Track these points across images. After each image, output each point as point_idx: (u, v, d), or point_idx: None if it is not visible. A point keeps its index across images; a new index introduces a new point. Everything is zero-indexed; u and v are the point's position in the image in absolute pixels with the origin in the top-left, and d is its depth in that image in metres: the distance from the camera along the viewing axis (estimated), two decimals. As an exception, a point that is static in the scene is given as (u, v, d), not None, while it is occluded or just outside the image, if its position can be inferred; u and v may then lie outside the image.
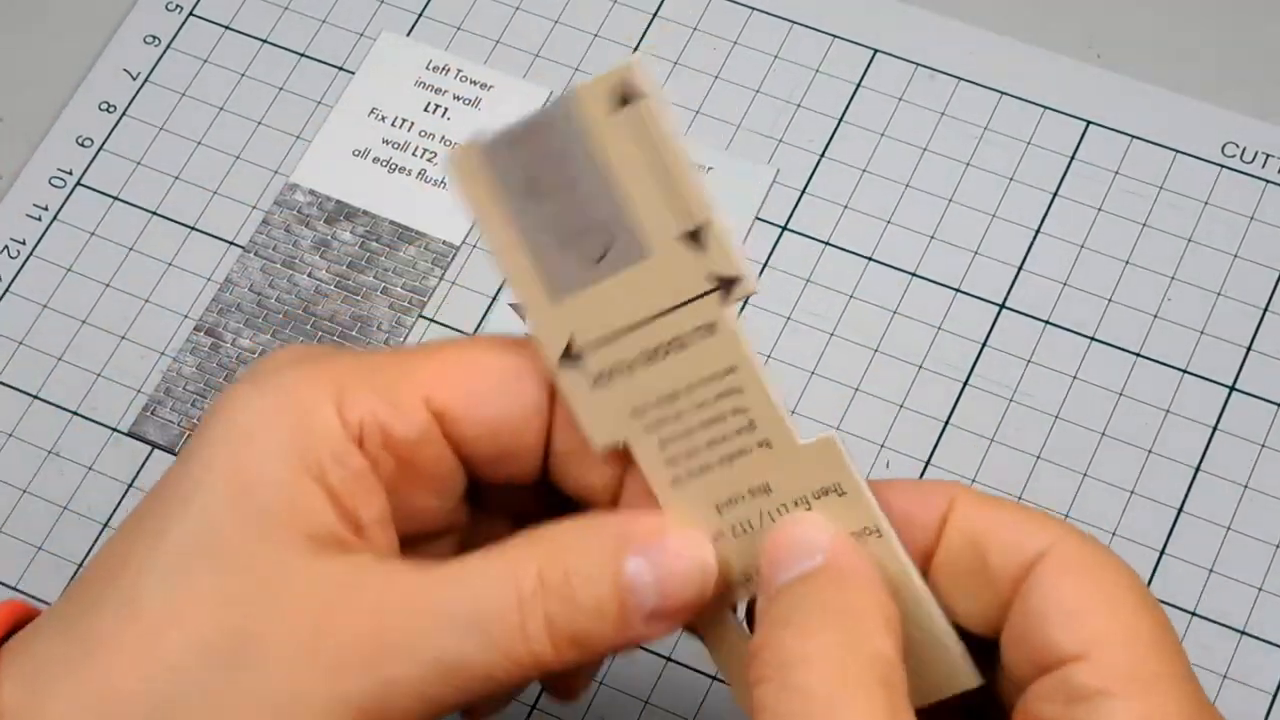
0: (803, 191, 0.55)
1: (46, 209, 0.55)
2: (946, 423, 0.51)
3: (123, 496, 0.52)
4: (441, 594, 0.37)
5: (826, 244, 0.54)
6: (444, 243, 0.54)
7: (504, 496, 0.41)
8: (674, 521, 0.38)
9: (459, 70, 0.56)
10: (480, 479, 0.40)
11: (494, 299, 0.54)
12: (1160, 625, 0.36)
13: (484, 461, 0.39)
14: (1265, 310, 0.53)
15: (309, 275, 0.53)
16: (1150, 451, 0.51)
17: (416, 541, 0.40)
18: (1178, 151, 0.55)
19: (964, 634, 0.37)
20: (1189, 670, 0.36)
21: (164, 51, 0.58)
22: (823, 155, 0.56)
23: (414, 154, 0.55)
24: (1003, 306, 0.53)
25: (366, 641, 0.36)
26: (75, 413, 0.53)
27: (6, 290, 0.54)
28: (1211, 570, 0.49)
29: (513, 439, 0.39)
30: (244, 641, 0.36)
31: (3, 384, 0.53)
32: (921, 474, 0.51)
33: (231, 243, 0.54)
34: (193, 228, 0.55)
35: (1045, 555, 0.36)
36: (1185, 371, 0.52)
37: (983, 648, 0.37)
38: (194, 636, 0.36)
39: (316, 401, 0.38)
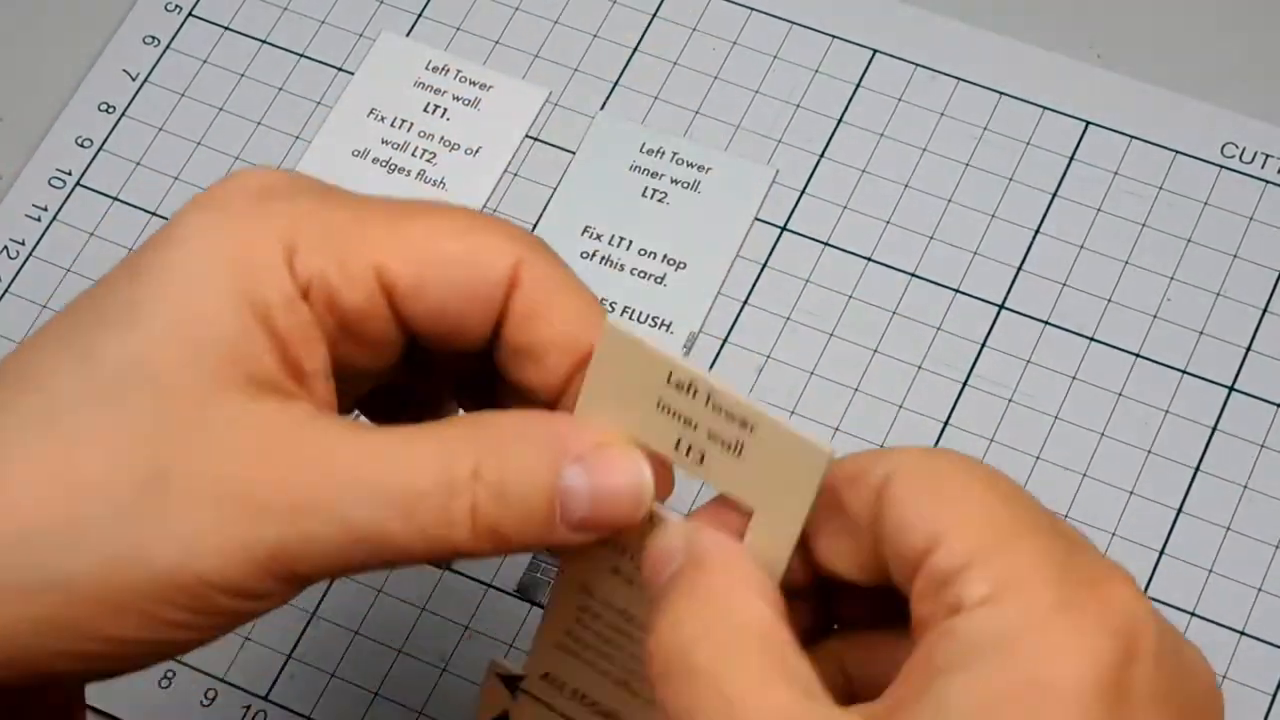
0: (802, 192, 0.55)
1: (46, 209, 0.56)
2: (946, 423, 0.52)
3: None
4: (374, 464, 0.36)
5: (826, 244, 0.54)
6: (443, 243, 0.54)
7: (445, 360, 0.41)
8: (617, 438, 0.38)
9: (458, 71, 0.57)
10: (422, 347, 0.39)
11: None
12: (1009, 495, 0.36)
13: (428, 335, 0.39)
14: (1264, 311, 0.53)
15: (308, 276, 0.54)
16: (1149, 452, 0.51)
17: (351, 392, 0.40)
18: (1177, 152, 0.56)
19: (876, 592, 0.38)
20: (1050, 523, 0.36)
21: (163, 52, 0.58)
22: (822, 155, 0.56)
23: (413, 154, 0.55)
24: (1002, 307, 0.53)
25: (291, 493, 0.36)
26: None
27: (6, 291, 0.54)
28: (1210, 571, 0.50)
29: (459, 323, 0.38)
30: (167, 472, 0.36)
31: (2, 384, 0.53)
32: None
33: (231, 243, 0.55)
34: (192, 228, 0.55)
35: (890, 477, 0.36)
36: (1184, 372, 0.52)
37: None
38: (117, 460, 0.36)
39: (268, 249, 0.37)
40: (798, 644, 0.35)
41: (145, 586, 0.36)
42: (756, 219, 0.55)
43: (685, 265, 0.54)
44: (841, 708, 0.34)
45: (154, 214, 0.55)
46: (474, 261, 0.38)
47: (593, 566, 0.38)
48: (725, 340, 0.54)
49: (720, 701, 0.34)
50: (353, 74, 0.57)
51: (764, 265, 0.54)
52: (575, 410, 0.38)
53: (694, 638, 0.35)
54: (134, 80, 0.57)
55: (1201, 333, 0.53)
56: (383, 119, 0.56)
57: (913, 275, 0.54)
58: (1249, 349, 0.53)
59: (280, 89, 0.57)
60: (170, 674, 0.50)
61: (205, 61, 0.57)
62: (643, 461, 0.38)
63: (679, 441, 0.37)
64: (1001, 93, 0.57)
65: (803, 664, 0.35)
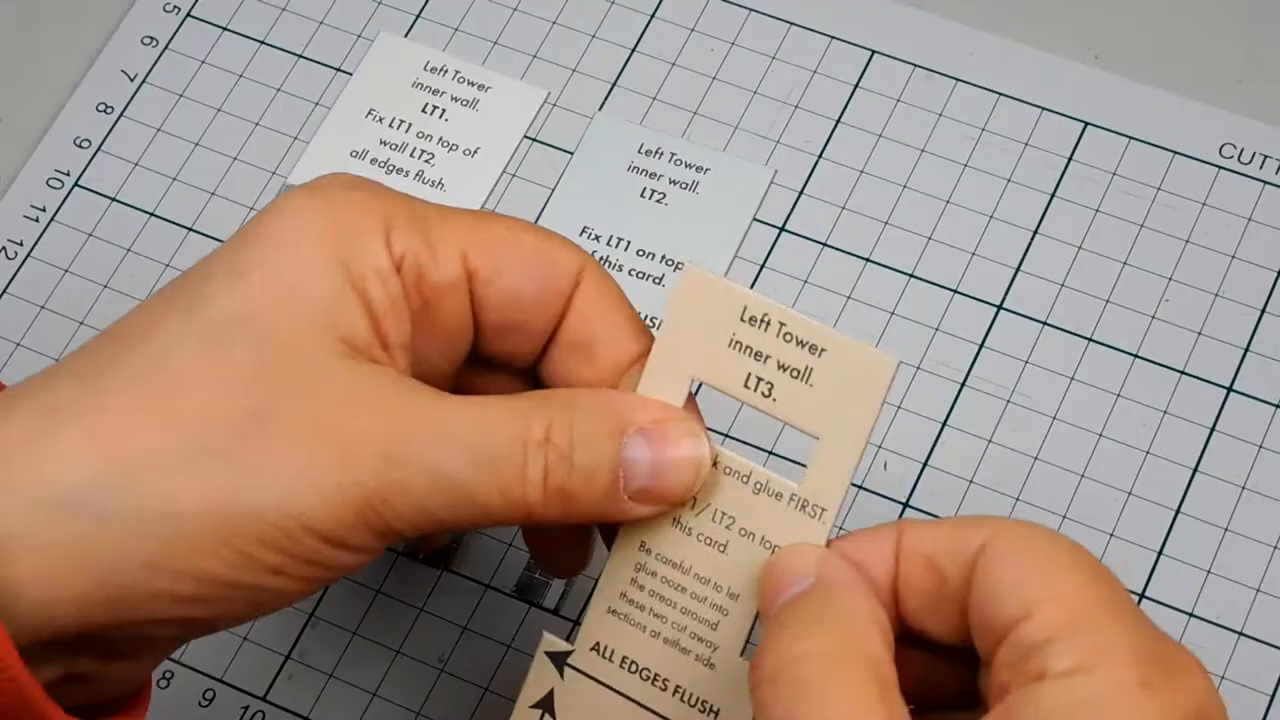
0: (800, 192, 0.55)
1: (44, 210, 0.56)
2: (944, 424, 0.52)
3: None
4: (457, 421, 0.39)
5: (824, 245, 0.54)
6: (442, 244, 0.54)
7: (490, 383, 0.44)
8: (677, 413, 0.41)
9: (456, 71, 0.57)
10: (482, 349, 0.42)
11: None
12: (1099, 576, 0.38)
13: (495, 329, 0.42)
14: (1263, 311, 0.53)
15: (307, 276, 0.54)
16: (1148, 453, 0.51)
17: None
18: (1175, 153, 0.56)
19: (955, 653, 0.40)
20: (1133, 608, 0.38)
21: (161, 53, 0.58)
22: (820, 156, 0.56)
23: (411, 155, 0.55)
24: (1000, 308, 0.53)
25: (381, 442, 0.38)
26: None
27: (4, 291, 0.54)
28: (1209, 571, 0.50)
29: (528, 313, 0.42)
30: (269, 415, 0.38)
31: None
32: (919, 475, 0.52)
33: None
34: (190, 229, 0.55)
35: (985, 546, 0.38)
36: (1183, 373, 0.52)
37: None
38: (223, 400, 0.38)
39: (367, 223, 0.40)
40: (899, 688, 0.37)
41: (245, 522, 0.37)
42: (755, 220, 0.55)
43: (684, 265, 0.54)
44: None
45: (152, 214, 0.55)
46: (548, 257, 0.42)
47: (654, 521, 0.41)
48: (724, 341, 0.54)
49: (820, 715, 0.36)
50: (351, 74, 0.57)
51: (762, 266, 0.54)
52: (639, 385, 0.41)
53: (812, 654, 0.37)
54: (132, 81, 0.57)
55: (1200, 333, 0.53)
56: (381, 119, 0.56)
57: (911, 276, 0.54)
58: (1247, 349, 0.53)
59: (278, 89, 0.57)
60: (168, 675, 0.50)
61: (203, 62, 0.58)
62: (702, 435, 0.41)
63: (749, 377, 0.40)
64: (999, 93, 0.57)
65: (902, 707, 0.36)
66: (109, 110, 0.57)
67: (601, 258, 0.54)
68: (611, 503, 0.40)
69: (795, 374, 0.40)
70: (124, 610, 0.37)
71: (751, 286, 0.54)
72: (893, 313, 0.54)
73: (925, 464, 0.52)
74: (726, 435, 0.52)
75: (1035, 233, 0.55)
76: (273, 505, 0.38)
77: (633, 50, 0.58)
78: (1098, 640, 0.37)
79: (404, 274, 0.41)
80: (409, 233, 0.41)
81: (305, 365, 0.39)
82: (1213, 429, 0.52)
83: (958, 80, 0.57)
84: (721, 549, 0.40)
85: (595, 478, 0.40)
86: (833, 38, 0.58)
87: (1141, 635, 0.37)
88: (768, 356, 0.40)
